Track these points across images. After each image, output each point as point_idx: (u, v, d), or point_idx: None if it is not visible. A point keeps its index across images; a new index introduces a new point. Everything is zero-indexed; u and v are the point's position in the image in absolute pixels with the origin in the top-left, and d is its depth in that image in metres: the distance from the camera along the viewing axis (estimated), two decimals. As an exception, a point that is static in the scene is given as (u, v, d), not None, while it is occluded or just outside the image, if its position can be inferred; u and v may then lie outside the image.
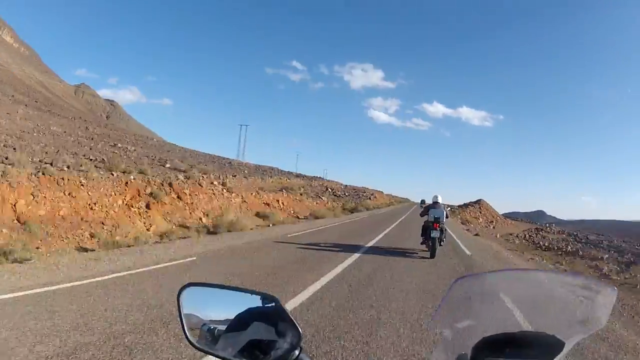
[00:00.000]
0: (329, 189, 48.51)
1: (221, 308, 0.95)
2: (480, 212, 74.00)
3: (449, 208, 15.19)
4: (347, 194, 49.34)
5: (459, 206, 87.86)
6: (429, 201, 12.27)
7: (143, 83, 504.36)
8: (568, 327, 0.77)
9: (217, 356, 0.89)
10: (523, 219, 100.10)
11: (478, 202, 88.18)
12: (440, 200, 11.68)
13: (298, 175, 57.82)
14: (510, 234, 37.68)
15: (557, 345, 0.75)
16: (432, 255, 10.65)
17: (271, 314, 0.89)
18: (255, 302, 0.92)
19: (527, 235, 40.08)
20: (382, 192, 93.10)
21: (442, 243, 11.50)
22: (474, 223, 50.46)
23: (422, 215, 11.86)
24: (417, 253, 11.43)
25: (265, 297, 0.91)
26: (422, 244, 11.68)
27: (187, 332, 0.94)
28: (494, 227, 53.91)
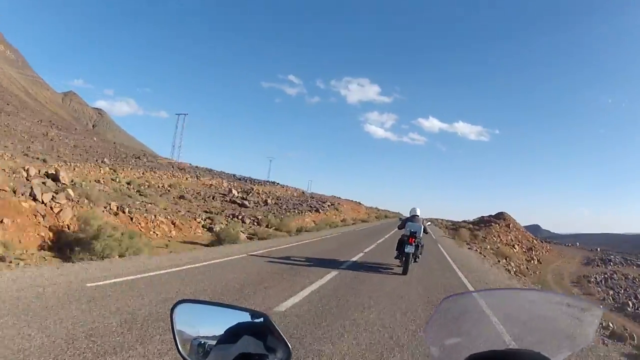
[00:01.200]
0: (260, 194, 37.37)
1: (212, 324, 0.97)
2: (510, 234, 52.55)
3: (429, 223, 13.59)
4: (279, 203, 34.25)
5: (475, 223, 61.42)
6: (426, 220, 11.67)
7: (139, 95, 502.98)
8: (555, 345, 0.80)
9: None
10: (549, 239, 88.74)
11: (500, 215, 63.50)
12: (418, 213, 11.06)
13: (262, 183, 53.00)
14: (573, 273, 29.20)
15: None
16: (405, 272, 10.07)
17: (261, 329, 0.90)
18: (246, 318, 0.94)
19: (603, 279, 29.49)
20: (360, 203, 78.47)
21: (417, 259, 11.09)
22: (516, 258, 33.85)
23: (399, 228, 11.25)
24: (392, 269, 10.82)
25: (255, 314, 0.93)
26: (396, 258, 10.95)
27: (179, 346, 0.95)
28: (538, 261, 38.57)
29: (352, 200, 74.12)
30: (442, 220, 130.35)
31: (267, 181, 61.80)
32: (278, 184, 59.22)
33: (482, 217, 68.27)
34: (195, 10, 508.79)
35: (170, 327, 0.99)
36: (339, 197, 58.13)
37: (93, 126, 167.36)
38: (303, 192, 55.60)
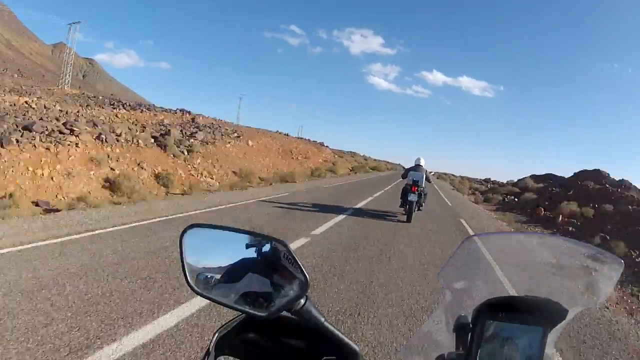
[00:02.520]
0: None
1: (222, 251, 0.91)
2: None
3: (432, 173, 14.24)
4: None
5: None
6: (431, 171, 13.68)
7: (140, 47, 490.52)
8: (572, 296, 0.78)
9: (218, 302, 0.84)
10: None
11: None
12: (422, 163, 11.36)
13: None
14: None
15: (560, 313, 0.73)
16: (409, 220, 10.53)
17: (270, 263, 0.84)
18: (261, 246, 0.87)
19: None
20: (323, 144, 50.72)
21: (421, 208, 11.45)
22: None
23: (403, 177, 11.61)
24: (396, 216, 11.28)
25: (273, 241, 0.85)
26: (400, 207, 11.36)
27: (187, 275, 0.87)
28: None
29: (301, 139, 49.12)
30: (448, 174, 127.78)
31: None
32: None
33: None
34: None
35: (179, 253, 0.90)
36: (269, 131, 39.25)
37: (83, 76, 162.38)
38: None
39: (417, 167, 11.23)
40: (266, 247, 0.86)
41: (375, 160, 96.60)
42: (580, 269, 0.79)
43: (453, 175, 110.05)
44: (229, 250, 0.89)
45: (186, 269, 0.88)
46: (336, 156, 46.90)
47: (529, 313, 0.74)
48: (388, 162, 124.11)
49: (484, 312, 0.75)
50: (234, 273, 0.86)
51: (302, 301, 0.79)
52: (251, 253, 0.87)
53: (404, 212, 10.97)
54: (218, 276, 0.87)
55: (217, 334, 0.84)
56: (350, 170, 41.96)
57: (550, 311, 0.73)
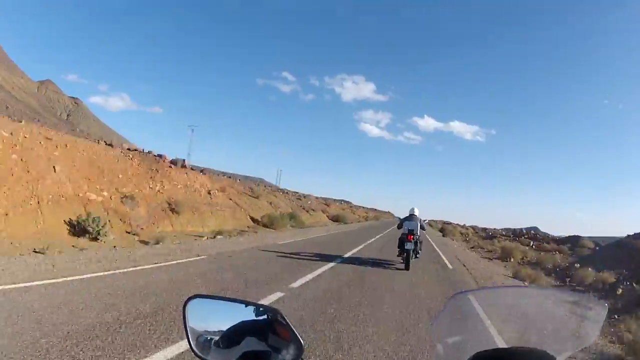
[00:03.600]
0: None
1: (222, 319, 0.97)
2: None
3: (425, 221, 14.28)
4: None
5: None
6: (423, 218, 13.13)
7: (134, 91, 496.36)
8: (559, 343, 0.80)
9: None
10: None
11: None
12: (416, 212, 11.85)
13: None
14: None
15: None
16: (407, 267, 11.04)
17: (265, 326, 0.91)
18: (258, 314, 0.94)
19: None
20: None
21: (418, 255, 11.93)
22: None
23: (398, 227, 12.10)
24: (394, 264, 11.74)
25: (268, 310, 0.94)
26: (398, 256, 11.83)
27: (191, 341, 0.96)
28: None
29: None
30: (438, 220, 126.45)
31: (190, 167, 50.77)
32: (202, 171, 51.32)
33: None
34: (188, 4, 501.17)
35: (183, 322, 0.99)
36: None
37: (67, 116, 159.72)
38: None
39: (411, 216, 11.82)
40: (262, 315, 0.94)
41: (363, 208, 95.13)
42: (566, 316, 0.82)
43: (442, 220, 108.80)
44: (226, 318, 0.96)
45: (189, 334, 0.97)
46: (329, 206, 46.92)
47: None
48: (376, 209, 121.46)
49: None
50: (233, 336, 0.93)
51: None
52: (248, 318, 0.94)
53: (402, 261, 11.50)
54: (217, 338, 0.95)
55: None
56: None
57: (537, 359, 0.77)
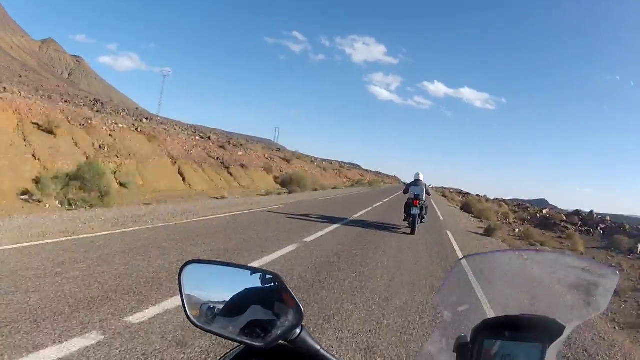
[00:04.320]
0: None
1: (222, 286, 0.95)
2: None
3: (431, 186, 14.50)
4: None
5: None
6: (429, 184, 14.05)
7: (143, 50, 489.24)
8: (569, 311, 0.79)
9: (218, 334, 0.89)
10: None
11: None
12: (421, 177, 12.01)
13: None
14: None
15: (557, 329, 0.75)
16: (413, 232, 11.24)
17: (271, 293, 0.89)
18: (257, 280, 0.92)
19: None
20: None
21: (423, 220, 12.22)
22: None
23: (404, 192, 12.39)
24: (400, 228, 11.98)
25: (268, 275, 0.91)
26: (404, 220, 12.13)
27: (187, 310, 0.93)
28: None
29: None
30: (448, 188, 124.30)
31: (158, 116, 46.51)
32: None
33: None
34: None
35: (179, 288, 0.96)
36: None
37: (69, 74, 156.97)
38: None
39: (416, 182, 11.97)
40: (262, 280, 0.90)
41: (370, 172, 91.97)
42: (576, 283, 0.80)
43: (451, 188, 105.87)
44: (227, 284, 0.93)
45: (185, 303, 0.93)
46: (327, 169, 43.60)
47: (526, 331, 0.75)
48: (379, 172, 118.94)
49: (482, 331, 0.77)
50: (237, 305, 0.89)
51: (298, 331, 0.83)
52: (247, 286, 0.91)
53: (408, 225, 11.76)
54: (220, 307, 0.91)
55: None
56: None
57: (547, 328, 0.75)
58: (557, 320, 0.75)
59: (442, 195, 67.30)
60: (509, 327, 0.76)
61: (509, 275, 0.90)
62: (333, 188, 35.11)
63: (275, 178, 27.53)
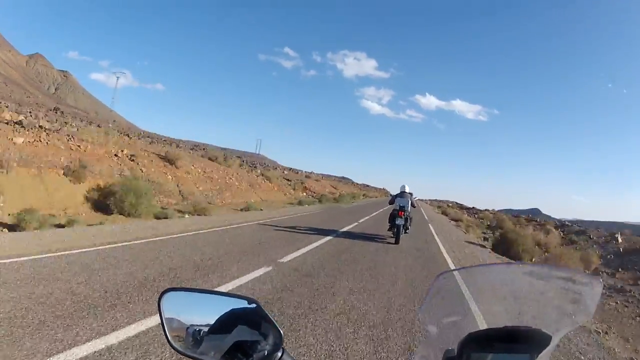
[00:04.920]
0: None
1: (203, 311, 0.96)
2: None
3: (416, 198, 13.86)
4: None
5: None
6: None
7: (136, 68, 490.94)
8: (554, 321, 0.79)
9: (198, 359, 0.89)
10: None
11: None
12: (407, 189, 12.23)
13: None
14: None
15: (544, 339, 0.75)
16: (397, 242, 11.48)
17: (253, 316, 0.90)
18: (236, 305, 0.93)
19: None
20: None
21: (407, 231, 12.40)
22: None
23: (390, 203, 12.77)
24: (385, 238, 12.08)
25: (246, 300, 0.92)
26: (389, 230, 12.44)
27: (169, 336, 0.94)
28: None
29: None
30: (435, 200, 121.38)
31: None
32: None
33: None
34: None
35: (159, 316, 0.97)
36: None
37: (55, 89, 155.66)
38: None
39: (402, 193, 12.10)
40: (240, 306, 0.91)
41: (358, 185, 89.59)
42: (560, 293, 0.81)
43: (440, 200, 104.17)
44: (205, 311, 0.93)
45: (166, 328, 0.95)
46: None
47: (513, 343, 0.75)
48: (367, 185, 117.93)
49: (468, 344, 0.77)
50: (224, 324, 0.90)
51: (279, 354, 0.84)
52: (238, 308, 0.91)
53: (392, 235, 11.96)
54: (206, 329, 0.91)
55: None
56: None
57: (533, 338, 0.75)
58: (543, 331, 0.75)
59: (442, 213, 49.09)
60: (495, 339, 0.76)
61: (494, 287, 0.89)
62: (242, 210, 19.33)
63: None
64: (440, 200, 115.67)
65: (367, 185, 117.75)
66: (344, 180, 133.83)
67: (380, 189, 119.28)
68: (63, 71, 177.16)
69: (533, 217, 53.82)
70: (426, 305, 0.86)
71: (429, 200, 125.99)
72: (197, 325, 0.93)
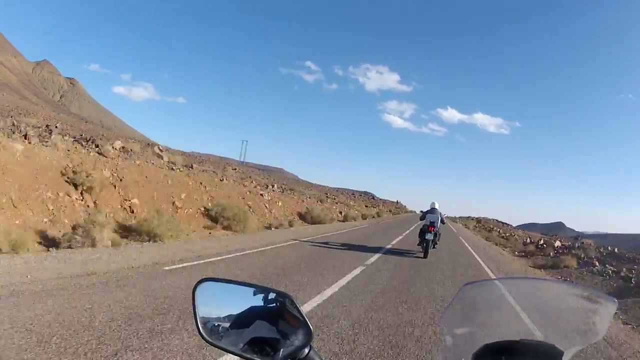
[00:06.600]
0: None
1: (232, 303, 0.97)
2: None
3: (445, 214, 14.75)
4: None
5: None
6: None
7: (158, 81, 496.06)
8: (567, 337, 0.79)
9: (228, 351, 0.91)
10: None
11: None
12: (437, 206, 12.66)
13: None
14: None
15: (556, 355, 0.76)
16: (425, 256, 11.70)
17: (276, 312, 0.90)
18: (267, 298, 0.93)
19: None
20: None
21: (435, 246, 13.16)
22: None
23: (421, 219, 12.94)
24: (415, 253, 12.46)
25: (279, 294, 0.92)
26: (418, 245, 12.70)
27: (200, 326, 0.95)
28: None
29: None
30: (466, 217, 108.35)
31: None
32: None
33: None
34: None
35: (192, 304, 0.98)
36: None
37: (61, 97, 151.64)
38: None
39: (432, 210, 12.58)
40: (272, 300, 0.93)
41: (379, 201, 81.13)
42: (575, 311, 0.82)
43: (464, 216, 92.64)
44: (237, 302, 0.95)
45: (198, 320, 0.95)
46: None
47: (525, 356, 0.76)
48: (386, 200, 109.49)
49: (481, 356, 0.79)
50: (242, 321, 0.91)
51: (306, 350, 0.84)
52: (258, 304, 0.93)
53: (421, 250, 12.18)
54: (227, 325, 0.93)
55: None
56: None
57: (545, 353, 0.76)
58: (555, 346, 0.76)
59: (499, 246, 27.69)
60: (509, 352, 0.77)
61: (514, 301, 0.89)
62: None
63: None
64: (467, 218, 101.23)
65: (386, 201, 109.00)
66: (365, 195, 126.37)
67: (393, 202, 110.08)
68: (70, 78, 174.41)
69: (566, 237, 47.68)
70: (446, 314, 0.86)
71: (458, 217, 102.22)
72: (221, 317, 0.94)
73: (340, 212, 30.78)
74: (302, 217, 22.44)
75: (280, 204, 21.96)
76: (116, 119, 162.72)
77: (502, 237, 37.53)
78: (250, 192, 20.05)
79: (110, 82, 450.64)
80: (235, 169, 40.04)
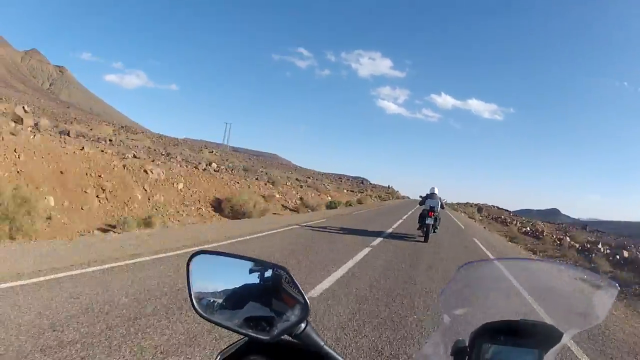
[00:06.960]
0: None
1: (228, 277, 0.96)
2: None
3: (444, 200, 14.16)
4: None
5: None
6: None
7: (150, 68, 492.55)
8: (568, 319, 0.80)
9: (223, 326, 0.88)
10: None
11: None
12: (436, 191, 12.96)
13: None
14: None
15: (555, 336, 0.77)
16: (426, 240, 12.15)
17: (269, 291, 0.89)
18: (263, 272, 0.92)
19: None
20: None
21: (436, 230, 13.07)
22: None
23: (420, 204, 13.43)
24: (415, 237, 12.84)
25: (275, 268, 0.91)
26: (418, 229, 13.10)
27: (193, 299, 0.93)
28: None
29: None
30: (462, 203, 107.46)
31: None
32: None
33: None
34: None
35: (186, 278, 0.96)
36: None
37: (50, 84, 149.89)
38: None
39: (432, 194, 12.83)
40: (268, 273, 0.90)
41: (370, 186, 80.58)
42: (576, 293, 0.82)
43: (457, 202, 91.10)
44: (233, 276, 0.93)
45: (192, 294, 0.93)
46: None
47: (524, 336, 0.77)
48: (374, 185, 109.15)
49: (480, 335, 0.80)
50: (236, 299, 0.90)
51: (303, 325, 0.83)
52: (253, 279, 0.90)
53: (421, 234, 12.62)
54: (220, 301, 0.91)
55: (219, 356, 0.86)
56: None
57: (545, 334, 0.77)
58: (555, 327, 0.76)
59: (508, 239, 23.17)
60: (508, 332, 0.78)
61: (515, 282, 0.90)
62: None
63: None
64: (463, 204, 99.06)
65: (376, 185, 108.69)
66: (357, 179, 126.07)
67: (384, 187, 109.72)
68: (59, 66, 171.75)
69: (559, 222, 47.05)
70: (445, 294, 0.86)
71: (456, 203, 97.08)
72: (214, 293, 0.92)
73: (301, 199, 24.33)
74: (217, 207, 15.70)
75: (181, 186, 15.25)
76: (107, 106, 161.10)
77: (526, 233, 27.31)
78: (128, 167, 13.41)
79: (101, 70, 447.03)
80: (212, 152, 39.21)
